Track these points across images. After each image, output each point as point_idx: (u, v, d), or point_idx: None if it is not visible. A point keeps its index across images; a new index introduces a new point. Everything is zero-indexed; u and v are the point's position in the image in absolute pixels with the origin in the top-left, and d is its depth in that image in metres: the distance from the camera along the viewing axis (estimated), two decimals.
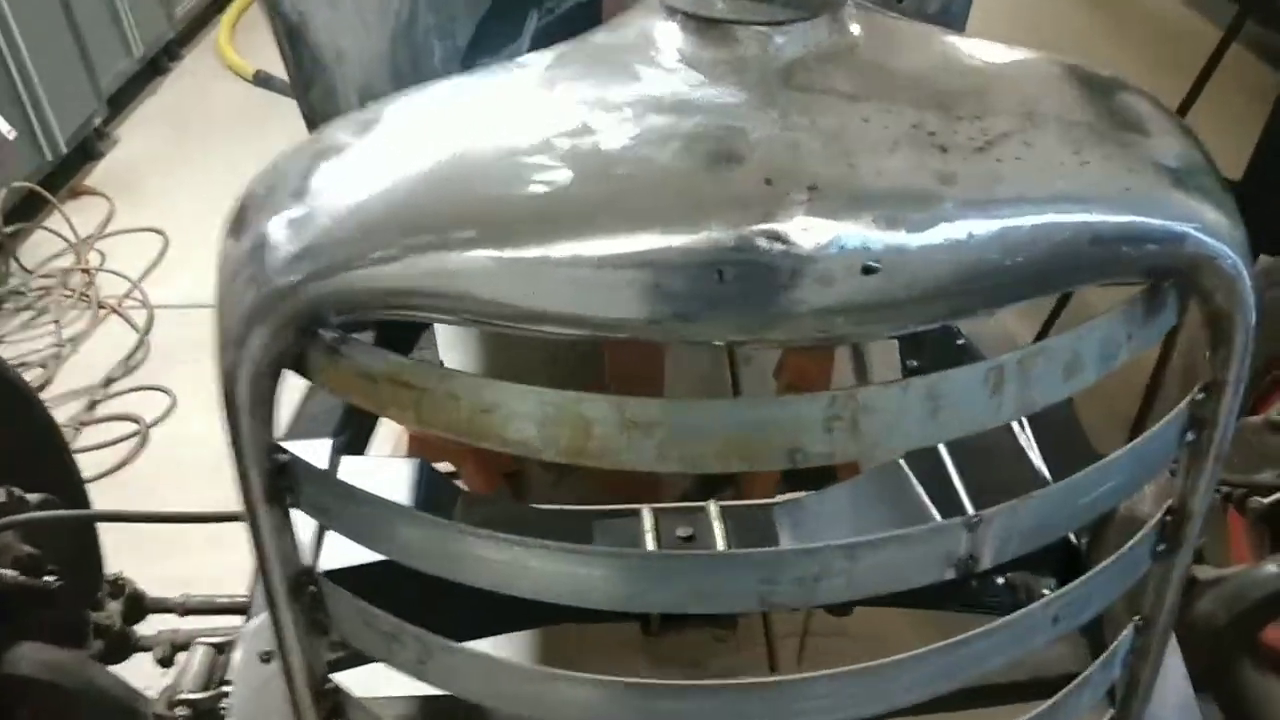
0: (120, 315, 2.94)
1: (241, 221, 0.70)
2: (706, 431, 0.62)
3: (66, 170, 3.52)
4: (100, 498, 2.20)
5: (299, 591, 0.79)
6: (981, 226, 0.60)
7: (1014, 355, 0.64)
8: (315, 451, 1.10)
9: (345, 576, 1.10)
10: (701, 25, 0.65)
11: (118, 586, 1.54)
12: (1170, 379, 0.85)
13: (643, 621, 1.22)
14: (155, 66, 4.19)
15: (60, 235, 3.17)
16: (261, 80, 4.01)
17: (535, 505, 1.16)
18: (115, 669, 1.48)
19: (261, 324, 0.67)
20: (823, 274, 0.58)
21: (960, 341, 1.33)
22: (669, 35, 0.66)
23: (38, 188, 3.16)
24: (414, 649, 0.74)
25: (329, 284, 0.64)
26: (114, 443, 2.50)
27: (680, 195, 0.59)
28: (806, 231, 0.58)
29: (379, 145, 0.67)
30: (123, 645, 1.52)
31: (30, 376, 2.74)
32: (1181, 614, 0.91)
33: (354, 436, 1.42)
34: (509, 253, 0.60)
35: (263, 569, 0.78)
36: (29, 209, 3.24)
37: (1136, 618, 0.86)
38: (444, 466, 2.21)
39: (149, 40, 4.03)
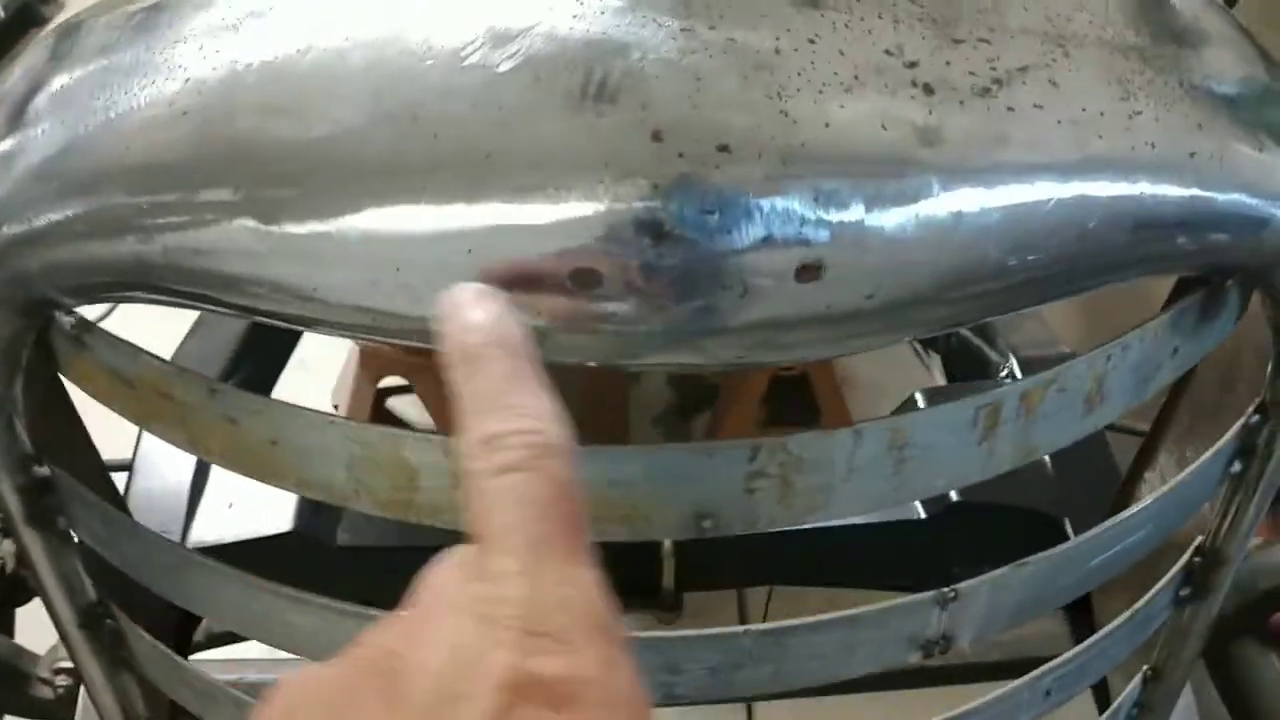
0: None
1: None
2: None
3: (6, 37, 3.25)
4: None
5: (95, 625, 0.62)
6: (977, 209, 0.40)
7: (1013, 389, 0.45)
8: None
9: (245, 550, 0.95)
10: None
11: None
12: (1196, 380, 0.66)
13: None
14: None
15: None
16: None
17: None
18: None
19: None
20: (735, 280, 0.39)
21: (978, 342, 1.11)
22: None
23: None
24: (230, 712, 0.58)
25: (42, 253, 0.45)
26: None
27: (522, 155, 0.39)
28: (711, 216, 0.38)
29: (126, 52, 0.47)
30: (17, 589, 1.38)
31: None
32: None
33: (257, 372, 1.25)
34: (276, 225, 0.41)
35: (44, 601, 0.62)
36: None
37: (1146, 668, 0.69)
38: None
39: None
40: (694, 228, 0.38)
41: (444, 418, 1.87)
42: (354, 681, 0.28)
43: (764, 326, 0.40)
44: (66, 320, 0.49)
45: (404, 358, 1.86)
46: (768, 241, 0.39)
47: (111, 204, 0.43)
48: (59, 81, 0.47)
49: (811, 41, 0.40)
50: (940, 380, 1.38)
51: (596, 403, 1.69)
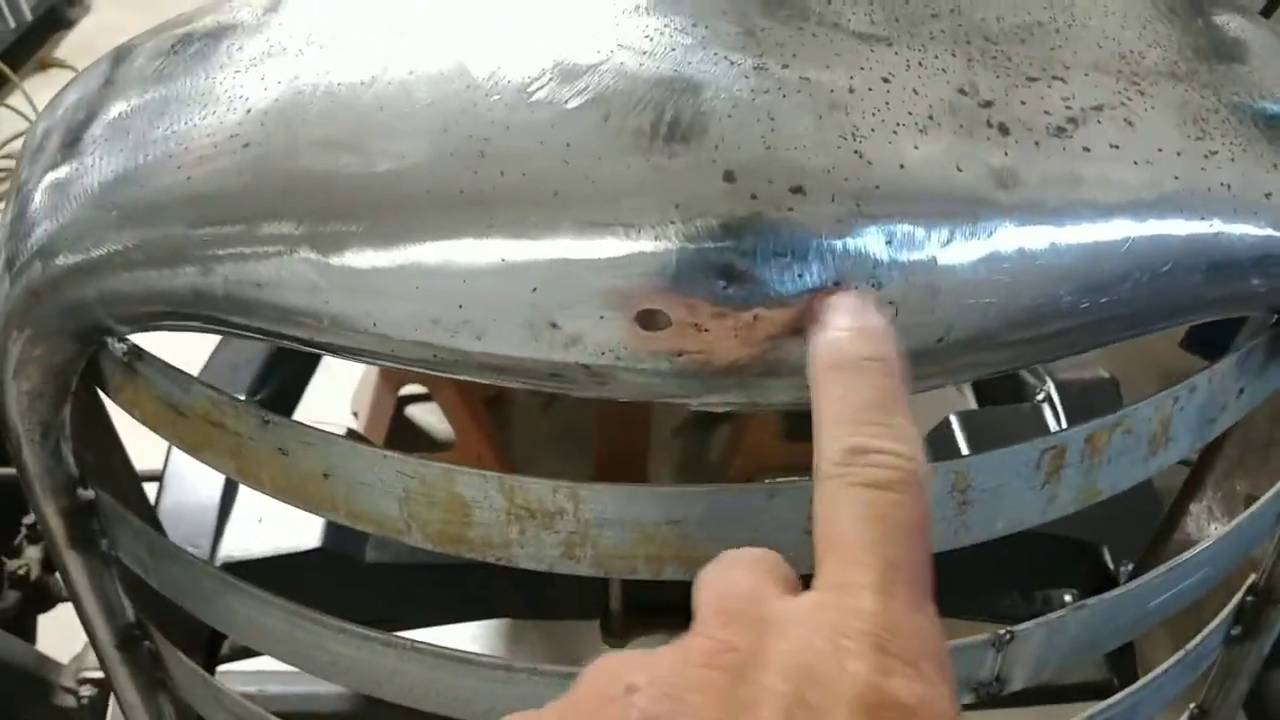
0: None
1: (15, 176, 0.50)
2: (633, 528, 0.43)
3: (33, 40, 3.26)
4: None
5: (131, 646, 0.62)
6: (1051, 250, 0.40)
7: (1079, 432, 0.44)
8: None
9: (274, 566, 0.95)
10: None
11: (36, 531, 1.40)
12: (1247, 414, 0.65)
13: (602, 621, 1.07)
14: None
15: (20, 113, 2.93)
16: None
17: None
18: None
19: (20, 330, 0.48)
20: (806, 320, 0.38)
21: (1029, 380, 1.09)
22: None
23: None
24: None
25: (99, 282, 0.45)
26: None
27: (591, 193, 0.38)
28: (782, 258, 0.37)
29: (182, 81, 0.46)
30: (41, 595, 1.38)
31: None
32: None
33: (287, 383, 1.25)
34: (338, 258, 0.40)
35: (83, 622, 0.61)
36: None
37: (1193, 706, 0.68)
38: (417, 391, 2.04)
39: None
40: (765, 269, 0.37)
41: (463, 426, 1.88)
42: (695, 673, 0.27)
43: None
44: (118, 347, 0.49)
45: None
46: (840, 284, 0.38)
47: (170, 235, 0.43)
48: (116, 109, 0.47)
49: (885, 81, 0.39)
50: (971, 401, 1.37)
51: (619, 414, 1.69)
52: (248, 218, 0.42)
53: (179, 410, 0.48)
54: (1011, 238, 0.39)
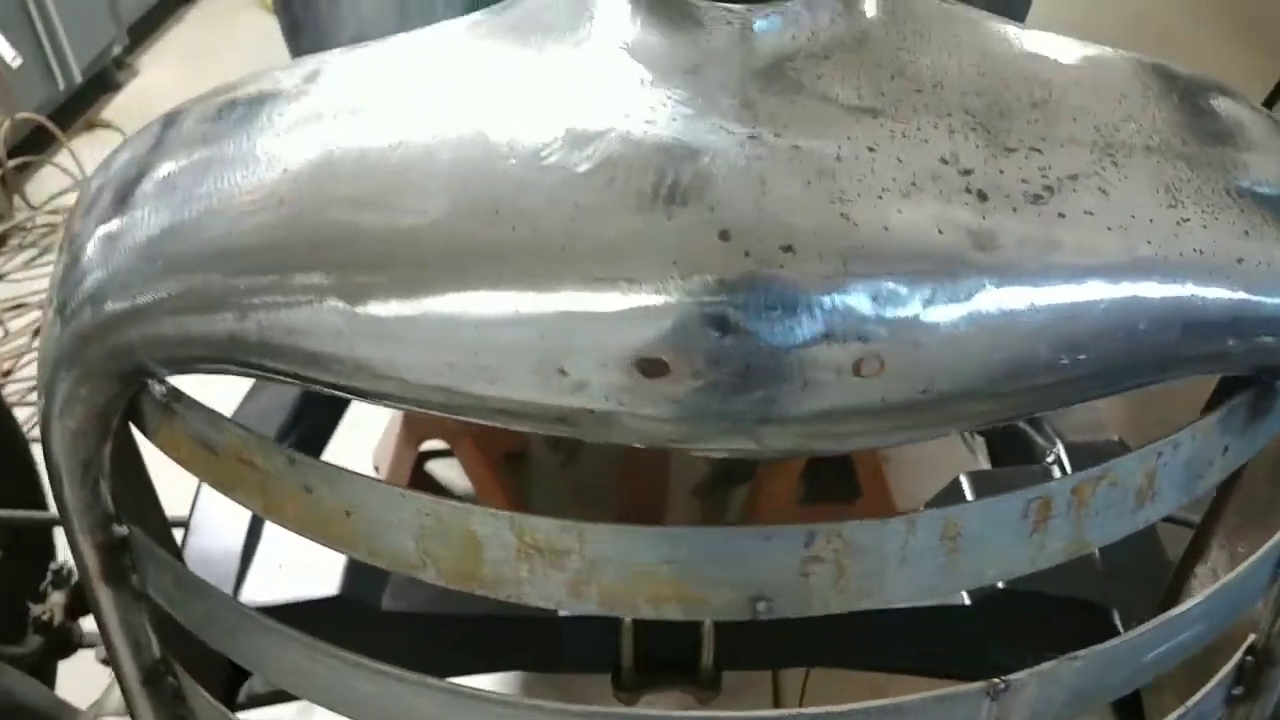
0: None
1: (69, 229, 0.54)
2: (637, 568, 0.45)
3: (81, 102, 3.40)
4: None
5: (156, 681, 0.64)
6: (1029, 309, 0.42)
7: (1065, 483, 0.46)
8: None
9: (292, 612, 0.97)
10: (662, 1, 0.47)
11: (62, 576, 1.43)
12: (1248, 475, 0.66)
13: (614, 675, 1.07)
14: None
15: (67, 171, 3.04)
16: None
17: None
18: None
19: (68, 371, 0.51)
20: (795, 373, 0.41)
21: (1024, 426, 1.11)
22: (618, 12, 0.48)
23: (44, 120, 3.03)
24: None
25: (144, 327, 0.48)
26: None
27: (596, 248, 0.41)
28: (774, 312, 0.40)
29: (227, 142, 0.50)
30: (64, 641, 1.40)
31: (30, 318, 2.65)
32: None
33: (312, 430, 1.28)
34: (363, 307, 0.44)
35: (110, 657, 0.64)
36: (40, 142, 3.12)
37: None
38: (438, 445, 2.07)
39: None
40: (758, 322, 0.40)
41: (482, 482, 1.90)
42: None
43: (821, 418, 0.42)
44: (158, 389, 0.52)
45: (446, 423, 1.89)
46: (828, 337, 0.41)
47: (210, 284, 0.46)
48: (164, 169, 0.51)
49: (871, 150, 0.43)
50: (985, 463, 1.38)
51: (638, 473, 1.71)
52: (281, 269, 0.45)
53: (212, 449, 0.51)
54: (990, 297, 0.42)
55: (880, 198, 0.42)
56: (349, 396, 0.47)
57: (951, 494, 1.04)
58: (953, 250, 0.41)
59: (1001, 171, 0.43)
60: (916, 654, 1.04)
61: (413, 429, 1.92)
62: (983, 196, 0.42)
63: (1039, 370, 0.43)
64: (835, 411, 0.42)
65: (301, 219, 0.45)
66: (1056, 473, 1.05)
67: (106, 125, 3.36)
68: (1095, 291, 0.43)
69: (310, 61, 0.53)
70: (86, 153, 3.11)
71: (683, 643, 1.02)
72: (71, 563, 1.57)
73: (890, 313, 0.41)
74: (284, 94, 0.51)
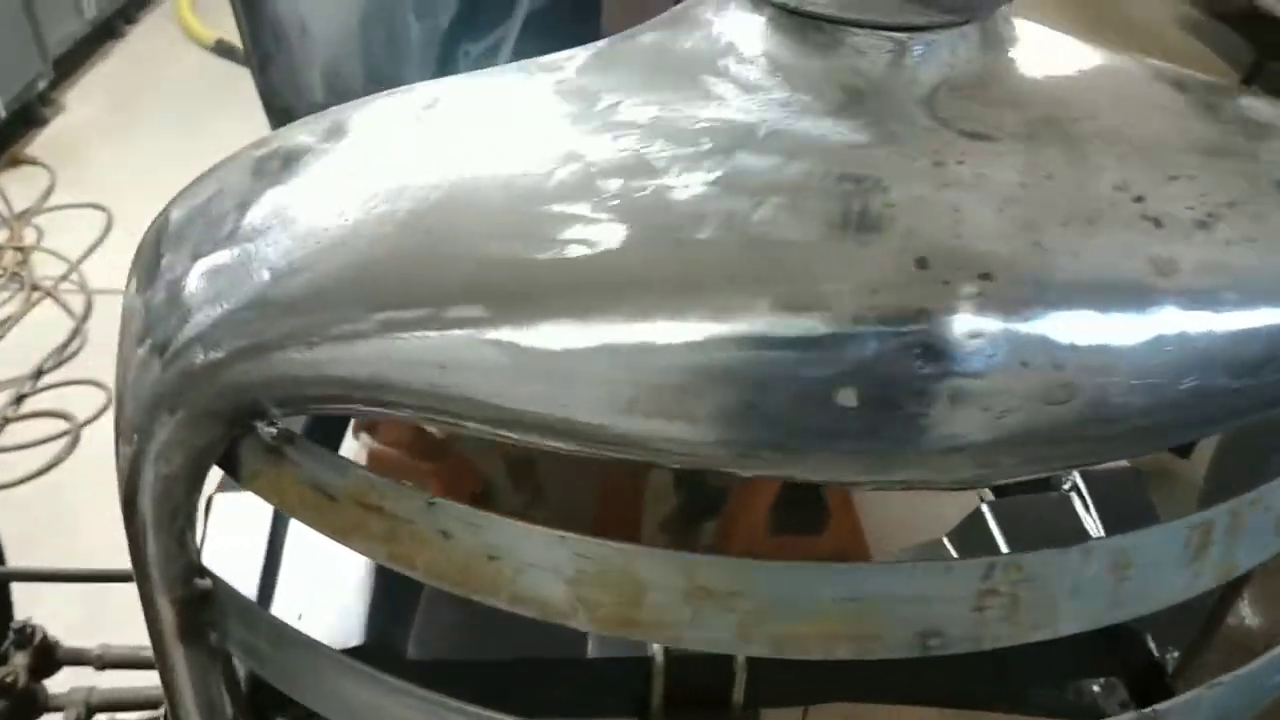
0: (55, 299, 2.70)
1: (151, 261, 0.51)
2: (809, 607, 0.43)
3: (5, 137, 3.26)
4: (24, 506, 1.98)
5: None
6: (1207, 335, 0.42)
7: (1225, 508, 0.46)
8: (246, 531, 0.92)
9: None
10: (804, 26, 0.46)
11: (25, 635, 1.34)
12: None
13: (642, 717, 1.04)
14: (109, 29, 3.91)
15: None
16: (223, 50, 3.75)
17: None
18: None
19: (171, 413, 0.47)
20: (994, 399, 0.40)
21: None
22: (755, 37, 0.47)
23: None
24: None
25: (265, 365, 0.45)
26: (42, 442, 2.27)
27: (789, 276, 0.40)
28: (976, 339, 0.39)
29: (347, 169, 0.48)
30: (29, 705, 1.31)
31: None
32: None
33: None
34: (530, 340, 0.41)
35: None
36: None
37: None
38: None
39: (103, 2, 3.75)
40: (958, 351, 0.39)
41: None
42: None
43: (1013, 445, 0.41)
44: (267, 431, 0.48)
45: (409, 461, 1.84)
46: (1024, 365, 0.40)
47: (348, 318, 0.44)
48: (275, 197, 0.48)
49: (1049, 178, 0.42)
50: (986, 493, 1.39)
51: (609, 510, 1.68)
52: (434, 301, 0.43)
53: (329, 494, 0.48)
54: (1173, 322, 0.42)
55: (1067, 225, 0.41)
56: (497, 437, 0.44)
57: (975, 525, 1.05)
58: (1138, 276, 0.41)
59: (1169, 198, 0.44)
60: (943, 682, 1.03)
61: (374, 468, 1.86)
62: (1158, 223, 0.43)
63: (1218, 394, 0.43)
64: (1025, 439, 0.41)
65: (454, 247, 0.43)
66: (1076, 501, 1.07)
67: (32, 161, 3.22)
68: (1261, 315, 0.43)
69: (428, 88, 0.51)
70: (12, 189, 2.98)
71: (714, 681, 1.00)
72: (35, 621, 1.47)
73: (1082, 339, 0.41)
74: (408, 119, 0.49)
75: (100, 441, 2.31)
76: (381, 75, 1.40)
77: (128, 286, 0.53)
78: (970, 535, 1.05)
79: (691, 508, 2.04)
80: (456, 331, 0.42)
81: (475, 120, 0.49)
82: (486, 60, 1.40)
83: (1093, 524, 0.99)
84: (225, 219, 0.49)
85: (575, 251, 0.42)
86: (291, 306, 0.45)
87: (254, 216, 0.48)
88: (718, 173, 0.42)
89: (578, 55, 0.50)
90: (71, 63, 3.67)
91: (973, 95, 0.45)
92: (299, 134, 0.51)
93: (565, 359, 0.41)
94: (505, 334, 0.42)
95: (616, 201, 0.42)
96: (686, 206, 0.42)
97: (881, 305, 0.39)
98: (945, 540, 1.10)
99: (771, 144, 0.43)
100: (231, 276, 0.46)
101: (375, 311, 0.43)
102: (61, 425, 2.29)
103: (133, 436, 0.49)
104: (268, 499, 0.51)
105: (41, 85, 3.41)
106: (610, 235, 0.42)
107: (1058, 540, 1.00)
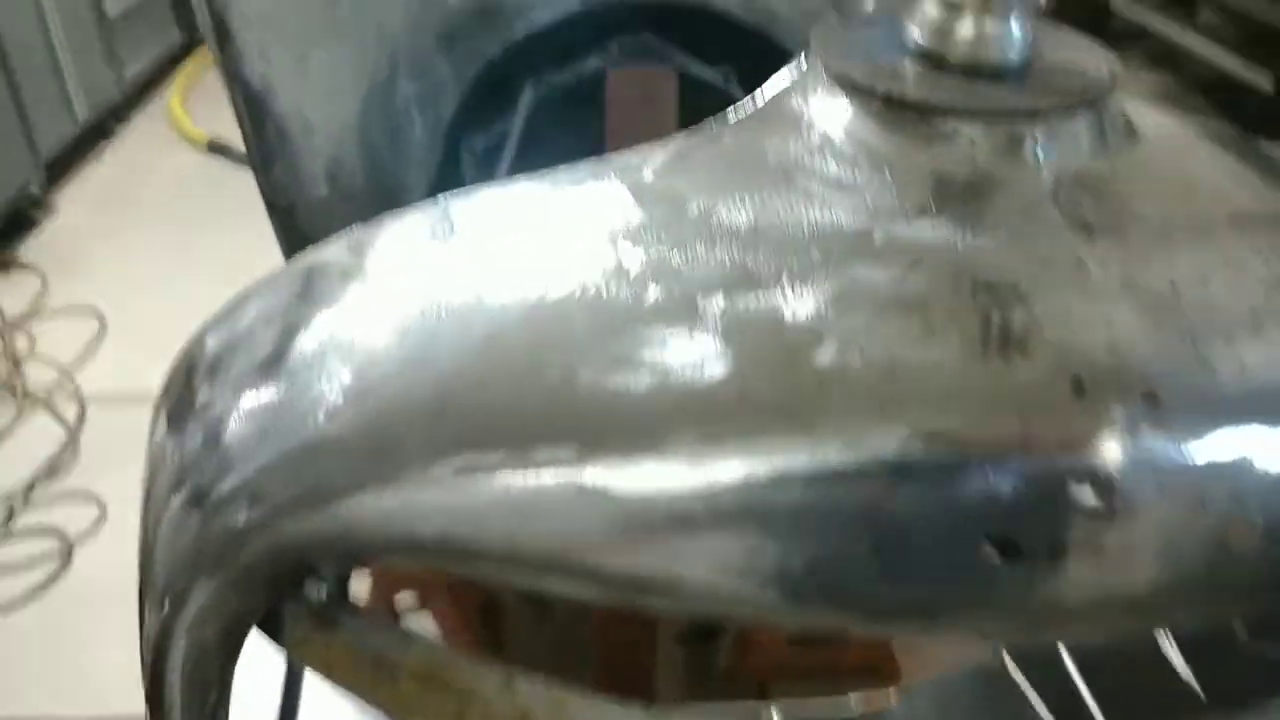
0: (49, 409, 2.62)
1: (183, 396, 0.46)
2: None
3: None
4: (14, 632, 1.88)
5: None
6: None
7: None
8: None
9: None
10: (908, 117, 0.42)
11: None
12: None
13: None
14: (101, 130, 3.91)
15: None
16: (216, 149, 3.76)
17: None
18: None
19: (211, 575, 0.42)
20: (1168, 539, 0.35)
21: None
22: (853, 130, 0.43)
23: None
24: None
25: (322, 519, 0.39)
26: (34, 564, 2.18)
27: (927, 402, 0.35)
28: (1146, 471, 0.34)
29: (409, 287, 0.43)
30: None
31: None
32: None
33: None
34: (630, 485, 0.36)
35: None
36: None
37: None
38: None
39: (95, 102, 3.76)
40: (1128, 484, 0.34)
41: (456, 636, 1.76)
42: None
43: (1191, 592, 0.36)
44: (315, 592, 0.43)
45: (420, 574, 1.76)
46: (1201, 501, 0.35)
47: (420, 458, 0.38)
48: (328, 322, 0.43)
49: (1204, 281, 0.38)
50: None
51: (622, 622, 1.60)
52: (514, 440, 0.37)
53: (389, 667, 0.42)
54: None
55: (1230, 334, 0.37)
56: (585, 598, 0.39)
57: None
58: None
59: None
60: None
61: (382, 584, 1.78)
62: None
63: None
64: (1203, 583, 0.36)
65: (538, 379, 0.38)
66: None
67: (23, 266, 3.17)
68: None
69: (489, 193, 0.47)
70: (3, 296, 2.93)
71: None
72: None
73: (1262, 463, 0.35)
74: (475, 229, 0.44)
75: (95, 560, 2.22)
76: (384, 171, 1.38)
77: (154, 425, 0.47)
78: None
79: (708, 620, 1.95)
80: (545, 475, 0.37)
81: (550, 228, 0.45)
82: (490, 156, 1.37)
83: (1175, 654, 0.93)
84: (269, 346, 0.44)
85: (679, 379, 0.37)
86: (352, 448, 0.39)
87: (303, 343, 0.43)
88: (833, 285, 0.38)
89: (653, 155, 0.46)
90: (63, 164, 3.66)
91: (1099, 187, 0.41)
92: (347, 250, 0.47)
93: (672, 505, 0.36)
94: (600, 477, 0.36)
95: (722, 320, 0.37)
96: (802, 324, 0.37)
97: (1037, 435, 0.34)
98: (1007, 659, 1.03)
99: (889, 250, 0.38)
100: (280, 414, 0.41)
101: (452, 451, 0.38)
102: (54, 544, 2.20)
103: (163, 601, 0.43)
104: (314, 668, 0.45)
105: (33, 189, 3.39)
106: (718, 359, 0.37)
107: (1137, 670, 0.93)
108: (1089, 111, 0.42)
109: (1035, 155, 0.41)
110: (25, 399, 2.62)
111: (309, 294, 0.45)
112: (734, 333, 0.37)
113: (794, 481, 0.35)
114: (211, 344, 0.47)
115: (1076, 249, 0.38)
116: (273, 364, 0.43)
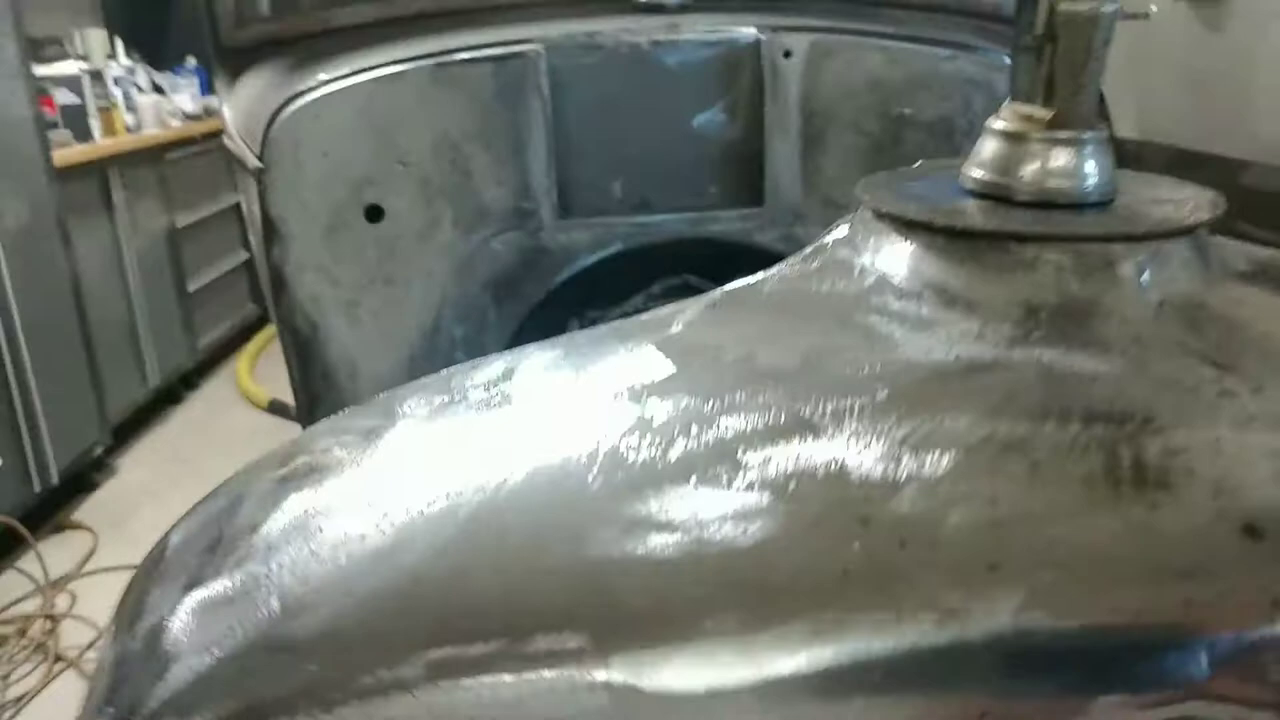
0: (79, 671, 2.52)
1: (136, 600, 0.38)
2: None
3: (55, 501, 3.25)
4: None
5: None
6: None
7: None
8: None
9: None
10: (980, 249, 0.36)
11: None
12: None
13: None
14: (170, 395, 4.05)
15: (30, 576, 2.82)
16: (276, 409, 3.85)
17: None
18: None
19: None
20: None
21: None
22: (915, 267, 0.37)
23: (13, 522, 2.86)
24: None
25: None
26: None
27: (1037, 564, 0.26)
28: None
29: (395, 464, 0.36)
30: None
31: None
32: None
33: None
34: (657, 682, 0.27)
35: None
36: (4, 543, 2.92)
37: None
38: None
39: (167, 370, 3.91)
40: None
41: None
42: None
43: None
44: None
45: None
46: None
47: (386, 660, 0.30)
48: (303, 503, 0.36)
49: None
50: None
51: None
52: (510, 629, 0.29)
53: None
54: None
55: None
56: None
57: None
58: None
59: None
60: None
61: None
62: None
63: None
64: None
65: (538, 556, 0.30)
66: None
67: (77, 526, 3.18)
68: None
69: (491, 364, 0.41)
70: (53, 556, 2.90)
71: None
72: None
73: None
74: (471, 401, 0.38)
75: None
76: None
77: (105, 638, 0.40)
78: None
79: None
80: (545, 673, 0.28)
81: (556, 392, 0.39)
82: None
83: None
84: (234, 538, 0.37)
85: (716, 543, 0.29)
86: (306, 649, 0.31)
87: (271, 529, 0.36)
88: (906, 426, 0.30)
89: (685, 310, 0.40)
90: (130, 428, 3.75)
91: (1213, 314, 0.34)
92: (334, 433, 0.41)
93: (710, 705, 0.27)
94: (618, 673, 0.28)
95: (769, 473, 0.30)
96: (870, 472, 0.29)
97: (1205, 597, 0.25)
98: None
99: (975, 384, 0.31)
100: (230, 612, 0.33)
101: (425, 648, 0.30)
102: None
103: None
104: None
105: (98, 452, 3.45)
106: (766, 517, 0.29)
107: None
108: (1188, 239, 0.36)
109: (1135, 279, 0.34)
110: (57, 661, 2.53)
111: (288, 478, 0.39)
112: (785, 486, 0.29)
113: (874, 668, 0.26)
114: (175, 540, 0.40)
115: (1208, 374, 0.30)
116: (233, 555, 0.36)
